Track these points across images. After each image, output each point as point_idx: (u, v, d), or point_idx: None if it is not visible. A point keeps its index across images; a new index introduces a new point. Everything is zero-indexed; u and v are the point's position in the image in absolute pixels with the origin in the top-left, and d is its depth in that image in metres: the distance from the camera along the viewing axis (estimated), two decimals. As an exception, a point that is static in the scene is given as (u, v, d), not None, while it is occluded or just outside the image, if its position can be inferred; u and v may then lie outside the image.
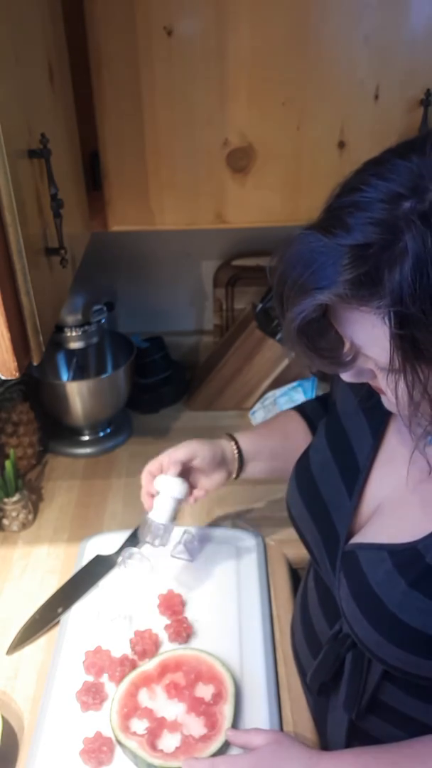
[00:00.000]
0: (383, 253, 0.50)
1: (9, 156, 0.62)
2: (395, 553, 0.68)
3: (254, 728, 0.79)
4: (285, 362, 1.43)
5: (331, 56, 0.96)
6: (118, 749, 0.80)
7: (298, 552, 0.98)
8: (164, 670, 0.87)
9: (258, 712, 0.84)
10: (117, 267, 1.52)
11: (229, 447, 0.98)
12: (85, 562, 1.07)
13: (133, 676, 0.86)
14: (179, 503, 0.94)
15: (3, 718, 0.83)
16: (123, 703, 0.83)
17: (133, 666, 0.89)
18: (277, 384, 1.45)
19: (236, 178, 1.05)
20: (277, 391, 1.44)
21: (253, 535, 1.12)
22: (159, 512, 0.93)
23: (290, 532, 1.10)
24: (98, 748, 0.79)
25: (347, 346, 0.60)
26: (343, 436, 0.82)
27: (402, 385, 0.55)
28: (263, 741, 0.74)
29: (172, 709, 0.83)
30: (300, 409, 1.04)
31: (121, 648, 0.92)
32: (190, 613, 0.97)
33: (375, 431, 0.78)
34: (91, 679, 0.88)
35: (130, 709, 0.83)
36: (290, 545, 1.09)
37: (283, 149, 1.03)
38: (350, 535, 0.75)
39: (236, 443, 0.98)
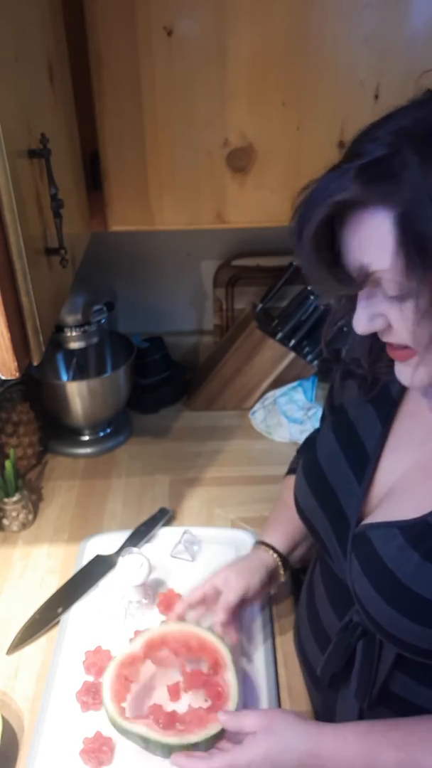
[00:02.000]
0: (393, 158, 0.55)
1: (9, 156, 0.62)
2: (406, 528, 0.68)
3: (245, 711, 0.78)
4: (285, 362, 1.43)
5: (331, 56, 0.96)
6: (118, 749, 0.80)
7: (298, 552, 0.98)
8: (150, 649, 0.84)
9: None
10: (117, 267, 1.52)
11: (269, 559, 0.94)
12: (85, 562, 1.07)
13: (118, 660, 0.83)
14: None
15: (3, 718, 0.83)
16: (115, 690, 0.79)
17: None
18: (277, 384, 1.45)
19: (236, 178, 1.05)
20: (277, 391, 1.44)
21: (253, 535, 1.11)
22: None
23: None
24: (98, 748, 0.79)
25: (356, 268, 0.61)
26: (350, 427, 0.83)
27: (413, 310, 0.58)
28: (256, 725, 0.73)
29: (169, 680, 0.82)
30: (293, 471, 1.04)
31: (121, 648, 0.92)
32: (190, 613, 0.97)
33: (384, 419, 0.79)
34: (91, 679, 0.88)
35: (123, 694, 0.80)
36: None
37: (283, 149, 1.03)
38: (361, 519, 0.75)
39: (274, 550, 0.95)
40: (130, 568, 0.95)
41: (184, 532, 1.10)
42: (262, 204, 1.08)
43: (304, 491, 0.86)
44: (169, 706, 0.79)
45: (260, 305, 1.48)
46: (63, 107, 0.90)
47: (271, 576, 0.94)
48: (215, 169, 1.04)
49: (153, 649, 0.84)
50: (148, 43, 0.94)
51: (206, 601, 0.90)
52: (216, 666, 0.82)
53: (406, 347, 0.64)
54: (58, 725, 0.83)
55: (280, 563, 0.94)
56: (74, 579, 1.04)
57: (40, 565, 1.10)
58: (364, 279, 0.60)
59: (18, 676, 0.92)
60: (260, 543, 0.97)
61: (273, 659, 0.92)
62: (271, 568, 0.93)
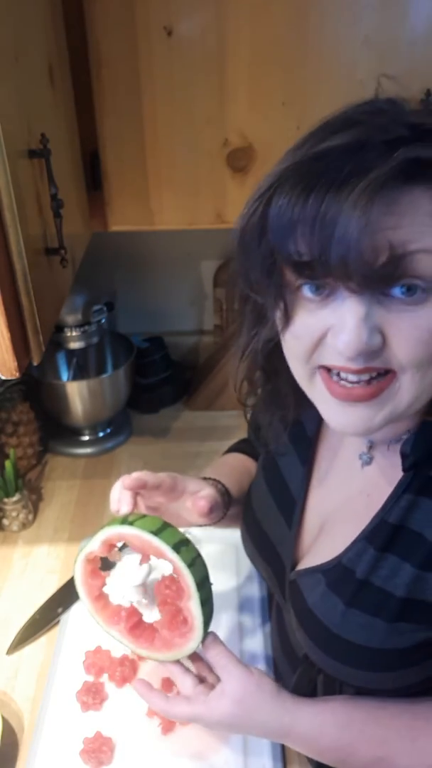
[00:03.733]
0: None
1: (9, 156, 0.62)
2: (326, 572, 0.67)
3: (228, 657, 0.71)
4: (285, 362, 1.43)
5: (331, 56, 0.96)
6: (118, 749, 0.80)
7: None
8: (109, 547, 0.76)
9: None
10: (117, 267, 1.52)
11: (214, 484, 0.87)
12: (85, 562, 1.07)
13: (82, 557, 0.76)
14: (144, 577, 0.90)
15: (3, 718, 0.83)
16: (88, 585, 0.75)
17: (133, 666, 0.89)
18: (277, 384, 1.45)
19: (236, 177, 1.05)
20: (277, 391, 1.44)
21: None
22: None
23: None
24: (98, 748, 0.79)
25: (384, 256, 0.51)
26: (276, 470, 0.81)
27: None
28: (232, 679, 0.68)
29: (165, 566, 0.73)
30: (233, 449, 1.02)
31: (121, 648, 0.92)
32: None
33: (303, 459, 0.77)
34: (91, 679, 0.88)
35: (98, 587, 0.76)
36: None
37: (283, 149, 1.02)
38: (295, 564, 0.74)
39: (220, 483, 0.88)
40: (130, 568, 0.95)
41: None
42: (262, 204, 1.08)
43: (245, 538, 0.85)
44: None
45: (260, 305, 1.48)
46: (63, 107, 0.90)
47: (217, 506, 0.83)
48: (215, 169, 1.04)
49: (112, 547, 0.76)
50: (148, 43, 0.94)
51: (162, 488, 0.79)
52: (180, 590, 0.72)
53: (386, 372, 0.55)
54: (58, 725, 0.83)
55: (226, 497, 0.86)
56: (74, 579, 1.04)
57: (40, 565, 1.10)
58: (395, 261, 0.50)
59: (18, 676, 0.92)
60: (201, 478, 0.88)
61: (273, 660, 0.92)
62: (220, 492, 0.85)
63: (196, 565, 0.72)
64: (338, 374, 0.57)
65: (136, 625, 0.75)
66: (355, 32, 0.94)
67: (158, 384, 1.50)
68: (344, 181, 0.49)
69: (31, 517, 1.18)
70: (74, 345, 1.30)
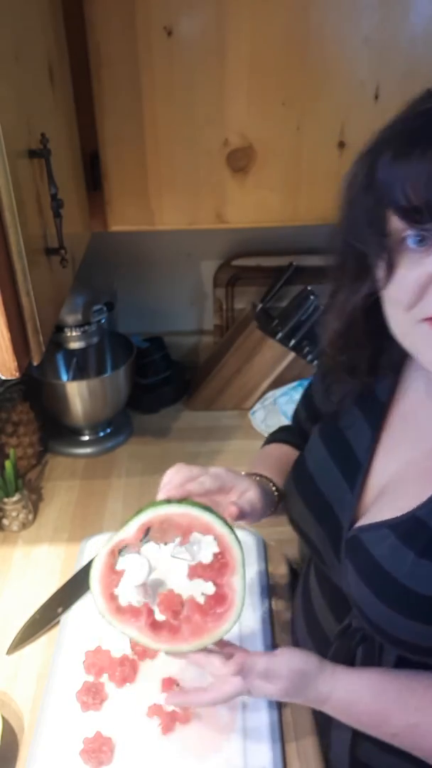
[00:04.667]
0: None
1: (9, 156, 0.62)
2: (396, 526, 0.69)
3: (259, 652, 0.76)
4: (285, 362, 1.43)
5: (331, 56, 0.96)
6: (118, 749, 0.80)
7: (298, 552, 0.98)
8: (142, 533, 0.74)
9: (257, 713, 0.84)
10: (117, 267, 1.52)
11: (266, 483, 0.89)
12: (85, 562, 1.07)
13: (110, 546, 0.74)
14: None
15: (3, 718, 0.83)
16: (105, 582, 0.72)
17: (133, 666, 0.89)
18: (277, 384, 1.45)
19: (236, 177, 1.05)
20: (277, 391, 1.44)
21: (253, 535, 1.11)
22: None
23: (290, 532, 1.10)
24: (98, 748, 0.79)
25: None
26: (339, 433, 0.82)
27: None
28: (288, 658, 0.73)
29: (165, 566, 0.72)
30: (273, 439, 1.03)
31: (121, 648, 0.92)
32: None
33: (373, 423, 0.79)
34: (91, 679, 0.88)
35: (114, 583, 0.74)
36: (290, 545, 1.09)
37: (283, 149, 1.03)
38: (353, 524, 0.75)
39: (268, 480, 0.90)
40: (130, 568, 0.94)
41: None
42: (262, 204, 1.08)
43: (295, 501, 0.85)
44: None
45: (260, 305, 1.48)
46: (63, 107, 0.90)
47: (269, 503, 0.86)
48: (215, 169, 1.04)
49: (144, 532, 0.74)
50: (148, 43, 0.94)
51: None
52: (223, 567, 0.70)
53: None
54: (58, 725, 0.83)
55: (275, 494, 0.88)
56: (74, 579, 1.04)
57: (40, 565, 1.10)
58: None
59: (18, 676, 0.92)
60: (252, 474, 0.90)
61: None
62: (270, 494, 0.87)
63: (239, 543, 0.72)
64: None
65: (155, 620, 0.73)
66: (355, 32, 0.94)
67: (158, 384, 1.50)
68: None
69: (31, 517, 1.18)
70: (74, 345, 1.30)
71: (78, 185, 0.99)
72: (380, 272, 0.63)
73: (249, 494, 0.81)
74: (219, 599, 0.69)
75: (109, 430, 1.41)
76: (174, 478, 0.78)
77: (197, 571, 0.71)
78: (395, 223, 0.60)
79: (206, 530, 0.70)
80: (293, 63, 0.96)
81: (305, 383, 1.44)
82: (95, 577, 0.73)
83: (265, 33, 0.94)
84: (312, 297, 1.41)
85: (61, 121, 0.88)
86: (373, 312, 0.69)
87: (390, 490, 0.74)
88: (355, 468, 0.78)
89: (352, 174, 0.65)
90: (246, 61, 0.96)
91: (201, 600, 0.69)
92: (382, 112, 0.99)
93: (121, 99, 0.98)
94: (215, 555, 0.70)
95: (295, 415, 1.04)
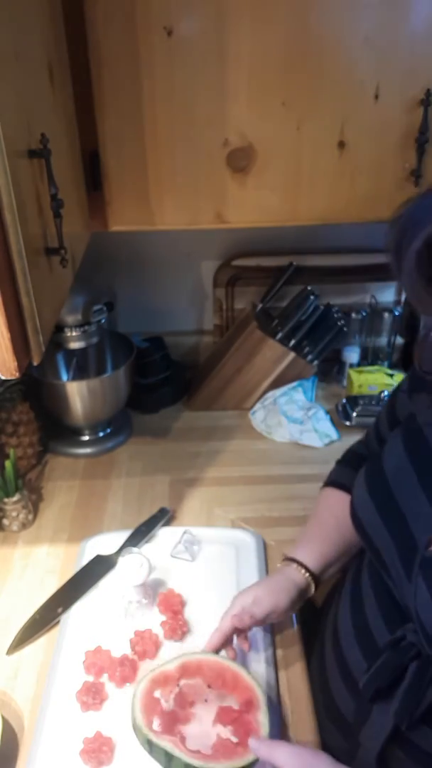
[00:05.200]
0: None
1: (9, 156, 0.62)
2: None
3: (278, 741, 0.75)
4: (285, 362, 1.43)
5: (331, 56, 0.96)
6: (118, 749, 0.80)
7: (330, 571, 0.94)
8: (185, 672, 0.83)
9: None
10: (117, 267, 1.52)
11: (301, 578, 0.90)
12: (85, 562, 1.07)
13: (152, 675, 0.82)
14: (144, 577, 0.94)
15: (3, 718, 0.83)
16: (145, 701, 0.78)
17: (133, 666, 0.89)
18: (277, 384, 1.45)
19: (236, 178, 1.05)
20: (277, 391, 1.44)
21: (253, 535, 1.12)
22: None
23: (290, 532, 1.11)
24: (98, 748, 0.79)
25: None
26: (423, 440, 0.78)
27: None
28: (288, 761, 0.71)
29: (198, 712, 0.81)
30: (334, 483, 0.99)
31: (121, 648, 0.92)
32: (190, 613, 0.97)
33: None
34: (91, 679, 0.88)
35: (152, 708, 0.78)
36: (290, 545, 1.09)
37: (283, 149, 1.03)
38: (430, 542, 0.71)
39: (305, 569, 0.90)
40: (130, 568, 0.95)
41: (184, 532, 1.10)
42: (262, 204, 1.08)
43: (365, 504, 0.80)
44: (194, 735, 0.79)
45: (260, 305, 1.48)
46: (63, 107, 0.90)
47: (301, 595, 0.90)
48: (215, 169, 1.04)
49: (188, 672, 0.83)
50: (148, 43, 0.94)
51: (238, 625, 0.86)
52: (248, 705, 0.79)
53: None
54: (58, 725, 0.83)
55: (311, 582, 0.90)
56: (74, 579, 1.04)
57: (40, 565, 1.10)
58: None
59: (18, 676, 0.92)
60: (291, 560, 0.92)
61: (273, 660, 0.92)
62: (301, 588, 0.90)
63: (259, 683, 0.82)
64: None
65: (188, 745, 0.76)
66: (355, 32, 0.94)
67: (158, 384, 1.50)
68: None
69: (31, 517, 1.18)
70: (74, 345, 1.30)
71: (78, 185, 0.99)
72: None
73: (257, 608, 0.86)
74: (245, 732, 0.77)
75: (109, 430, 1.41)
76: (227, 622, 0.86)
77: (225, 714, 0.80)
78: None
79: (234, 677, 0.83)
80: (293, 63, 0.96)
81: (305, 383, 1.45)
82: (138, 696, 0.80)
83: (265, 33, 0.94)
84: (312, 297, 1.41)
85: (61, 121, 0.88)
86: None
87: None
88: None
89: None
90: (246, 61, 0.96)
91: (234, 739, 0.77)
92: (382, 112, 1.00)
93: (121, 99, 0.98)
94: (240, 703, 0.81)
95: (368, 436, 0.99)
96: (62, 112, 0.89)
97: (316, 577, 0.91)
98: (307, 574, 0.90)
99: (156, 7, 0.92)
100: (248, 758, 0.73)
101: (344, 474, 0.99)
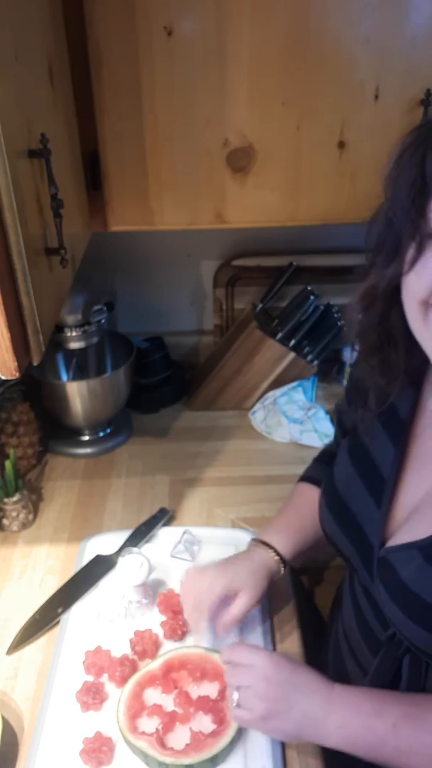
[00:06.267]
0: None
1: (9, 156, 0.62)
2: (424, 548, 0.68)
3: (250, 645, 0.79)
4: (285, 362, 1.43)
5: (331, 56, 0.96)
6: (118, 749, 0.80)
7: (299, 559, 0.97)
8: (168, 669, 0.87)
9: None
10: (117, 267, 1.52)
11: (270, 560, 0.92)
12: (85, 562, 1.07)
13: (137, 676, 0.86)
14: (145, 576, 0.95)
15: (3, 718, 0.83)
16: (129, 704, 0.83)
17: (133, 666, 0.89)
18: (277, 384, 1.45)
19: (236, 178, 1.05)
20: (277, 391, 1.44)
21: (253, 535, 1.11)
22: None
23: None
24: (98, 748, 0.79)
25: None
26: (364, 449, 0.82)
27: None
28: (264, 663, 0.75)
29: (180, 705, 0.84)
30: (309, 479, 1.02)
31: (121, 648, 0.92)
32: (190, 613, 0.98)
33: (395, 439, 0.78)
34: (91, 679, 0.88)
35: (137, 709, 0.83)
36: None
37: (283, 149, 1.03)
38: (384, 543, 0.75)
39: (275, 551, 0.93)
40: (130, 568, 0.95)
41: (184, 532, 1.10)
42: (262, 204, 1.08)
43: (326, 517, 0.85)
44: (175, 730, 0.82)
45: (260, 305, 1.48)
46: (63, 107, 0.90)
47: (270, 577, 0.92)
48: (215, 169, 1.04)
49: (171, 669, 0.87)
50: (148, 43, 0.94)
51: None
52: (224, 692, 0.84)
53: None
54: (58, 725, 0.83)
55: (281, 566, 0.93)
56: (74, 579, 1.04)
57: (40, 565, 1.10)
58: None
59: (18, 676, 0.92)
60: (259, 541, 0.95)
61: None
62: (272, 570, 0.92)
63: None
64: None
65: (163, 741, 0.79)
66: (355, 32, 0.94)
67: (158, 384, 1.50)
68: None
69: (31, 517, 1.18)
70: (74, 345, 1.30)
71: (78, 185, 0.99)
72: (408, 256, 0.64)
73: (239, 601, 0.88)
74: (219, 720, 0.81)
75: (109, 430, 1.41)
76: (187, 596, 0.90)
77: (202, 703, 0.83)
78: None
79: (214, 667, 0.86)
80: (293, 63, 0.96)
81: (305, 383, 1.45)
82: (123, 697, 0.84)
83: (265, 33, 0.94)
84: (312, 297, 1.41)
85: (61, 121, 0.88)
86: (395, 306, 0.69)
87: (423, 509, 0.73)
88: (380, 484, 0.77)
89: (401, 149, 0.66)
90: (246, 61, 0.95)
91: (208, 730, 0.80)
92: (382, 112, 1.00)
93: (121, 99, 0.98)
94: (218, 691, 0.84)
95: (335, 435, 1.04)
96: (62, 112, 0.89)
97: (283, 560, 0.93)
98: (276, 557, 0.92)
99: (156, 7, 0.92)
100: (218, 747, 0.77)
101: (318, 470, 1.02)
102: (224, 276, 1.51)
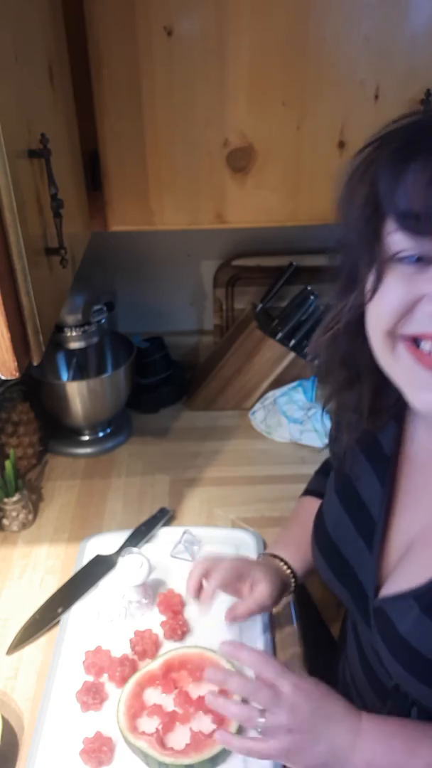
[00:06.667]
0: None
1: (9, 156, 0.62)
2: (420, 596, 0.63)
3: (279, 664, 0.69)
4: (285, 362, 1.43)
5: (331, 56, 0.96)
6: (118, 749, 0.80)
7: (307, 575, 0.94)
8: (168, 669, 0.87)
9: None
10: (117, 267, 1.52)
11: (283, 571, 0.89)
12: (85, 562, 1.07)
13: (137, 676, 0.86)
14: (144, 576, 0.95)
15: (3, 718, 0.83)
16: (129, 704, 0.83)
17: (133, 666, 0.89)
18: (277, 384, 1.45)
19: (236, 178, 1.05)
20: (277, 391, 1.44)
21: (253, 535, 1.11)
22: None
23: (290, 532, 1.09)
24: (98, 748, 0.79)
25: None
26: (352, 488, 0.77)
27: None
28: (294, 690, 0.66)
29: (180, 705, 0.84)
30: (312, 492, 0.99)
31: (121, 648, 0.92)
32: (190, 613, 0.97)
33: (382, 477, 0.73)
34: (91, 679, 0.88)
35: (137, 709, 0.83)
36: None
37: (283, 149, 1.03)
38: (379, 588, 0.70)
39: (286, 564, 0.90)
40: (130, 568, 0.95)
41: (184, 532, 1.10)
42: (262, 204, 1.08)
43: (320, 563, 0.81)
44: (175, 730, 0.81)
45: (260, 305, 1.48)
46: (63, 107, 0.90)
47: (283, 588, 0.89)
48: (215, 169, 1.04)
49: (171, 669, 0.87)
50: (148, 43, 0.94)
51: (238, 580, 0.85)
52: (224, 692, 0.81)
53: None
54: (58, 725, 0.83)
55: (292, 580, 0.90)
56: (74, 579, 1.04)
57: (40, 565, 1.10)
58: None
59: (18, 676, 0.92)
60: (270, 555, 0.92)
61: (273, 659, 0.92)
62: (285, 581, 0.89)
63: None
64: (429, 350, 0.56)
65: (163, 741, 0.79)
66: (355, 32, 0.94)
67: (158, 384, 1.50)
68: None
69: (31, 517, 1.18)
70: (74, 345, 1.30)
71: (78, 185, 0.99)
72: (368, 284, 0.59)
73: (260, 587, 0.84)
74: (219, 720, 0.80)
75: (109, 430, 1.41)
76: (195, 572, 0.86)
77: (202, 703, 0.81)
78: (391, 230, 0.56)
79: (214, 666, 0.83)
80: (293, 63, 0.96)
81: (305, 383, 1.45)
82: (123, 697, 0.84)
83: (265, 33, 0.94)
84: (312, 297, 1.41)
85: (61, 121, 0.88)
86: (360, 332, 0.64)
87: (416, 550, 0.68)
88: (370, 526, 0.73)
89: (351, 171, 0.62)
90: (246, 61, 0.95)
91: (208, 730, 0.79)
92: (382, 112, 1.00)
93: (121, 99, 0.98)
94: (218, 690, 0.81)
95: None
96: (62, 112, 0.89)
97: (295, 575, 0.90)
98: (288, 570, 0.90)
99: (156, 6, 0.92)
100: (218, 747, 0.77)
101: (321, 482, 0.96)
102: (224, 276, 1.51)
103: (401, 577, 0.68)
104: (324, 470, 1.01)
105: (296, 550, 0.92)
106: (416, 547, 0.68)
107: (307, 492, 1.01)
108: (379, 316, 0.59)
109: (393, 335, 0.58)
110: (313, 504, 0.94)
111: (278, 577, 0.88)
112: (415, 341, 0.57)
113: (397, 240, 0.55)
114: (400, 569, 0.69)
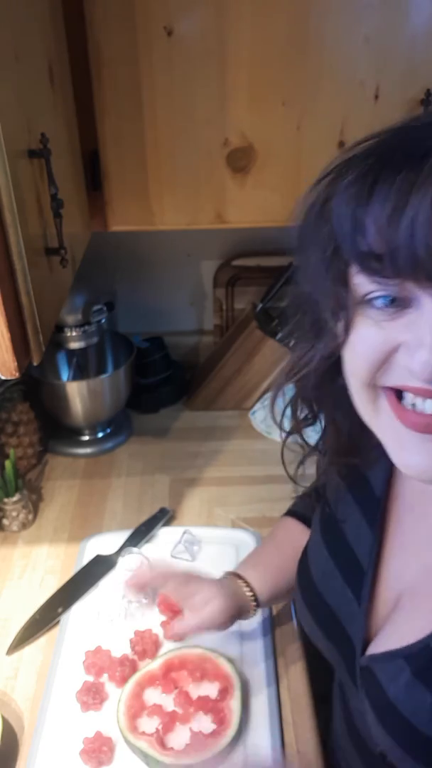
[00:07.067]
0: None
1: (9, 156, 0.62)
2: (411, 657, 0.57)
3: None
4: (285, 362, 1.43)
5: (331, 56, 0.96)
6: (118, 749, 0.80)
7: (273, 601, 0.91)
8: (168, 669, 0.87)
9: (258, 712, 0.84)
10: (117, 267, 1.52)
11: (240, 590, 0.84)
12: (85, 562, 1.07)
13: (137, 676, 0.86)
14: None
15: (3, 718, 0.83)
16: (129, 704, 0.83)
17: (134, 666, 0.89)
18: (277, 384, 1.45)
19: (236, 178, 1.05)
20: (277, 391, 1.44)
21: (252, 535, 1.11)
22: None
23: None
24: (98, 748, 0.79)
25: None
26: (339, 533, 0.71)
27: None
28: None
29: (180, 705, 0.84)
30: (295, 513, 0.92)
31: (121, 648, 0.92)
32: (190, 613, 0.97)
33: (372, 522, 0.67)
34: (91, 679, 0.88)
35: (137, 709, 0.83)
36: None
37: (283, 149, 1.03)
38: (368, 643, 0.64)
39: (250, 588, 0.84)
40: (130, 568, 0.95)
41: (184, 532, 1.10)
42: (262, 204, 1.08)
43: (305, 616, 0.74)
44: (175, 730, 0.81)
45: (260, 305, 1.48)
46: (63, 107, 0.90)
47: (238, 612, 0.83)
48: (215, 169, 1.04)
49: (171, 669, 0.87)
50: (148, 43, 0.94)
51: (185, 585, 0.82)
52: (224, 692, 0.84)
53: None
54: (58, 725, 0.83)
55: (253, 605, 0.84)
56: (74, 579, 1.04)
57: (40, 565, 1.10)
58: None
59: (18, 676, 0.92)
60: (234, 574, 0.86)
61: (273, 659, 0.92)
62: (241, 606, 0.83)
63: (237, 671, 0.87)
64: (411, 403, 0.49)
65: (163, 741, 0.79)
66: (355, 32, 0.94)
67: (158, 384, 1.50)
68: (426, 155, 0.42)
69: (31, 517, 1.18)
70: (74, 345, 1.30)
71: (78, 185, 0.99)
72: (338, 332, 0.53)
73: (209, 607, 0.79)
74: (219, 720, 0.81)
75: (109, 430, 1.41)
76: (143, 573, 0.85)
77: (202, 703, 0.83)
78: (355, 270, 0.49)
79: (214, 666, 0.87)
80: (293, 63, 0.96)
81: (305, 383, 1.44)
82: (123, 697, 0.84)
83: (265, 33, 0.94)
84: (312, 297, 1.41)
85: (61, 121, 0.88)
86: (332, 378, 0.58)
87: (406, 602, 0.62)
88: (359, 575, 0.66)
89: (308, 207, 0.54)
90: (246, 61, 0.95)
91: (208, 730, 0.80)
92: (382, 112, 1.00)
93: (121, 99, 0.98)
94: (218, 691, 0.84)
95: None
96: (62, 112, 0.89)
97: (257, 603, 0.84)
98: (251, 594, 0.84)
99: (156, 7, 0.92)
100: (218, 747, 0.77)
101: (306, 506, 0.91)
102: (224, 276, 1.51)
103: (391, 632, 0.62)
104: (311, 494, 0.91)
105: (264, 573, 0.86)
106: (405, 599, 0.62)
107: (291, 513, 0.94)
108: (353, 367, 0.52)
109: (373, 386, 0.52)
110: (295, 527, 0.90)
111: (234, 599, 0.82)
112: (398, 393, 0.51)
113: (362, 282, 0.49)
114: (390, 623, 0.63)
